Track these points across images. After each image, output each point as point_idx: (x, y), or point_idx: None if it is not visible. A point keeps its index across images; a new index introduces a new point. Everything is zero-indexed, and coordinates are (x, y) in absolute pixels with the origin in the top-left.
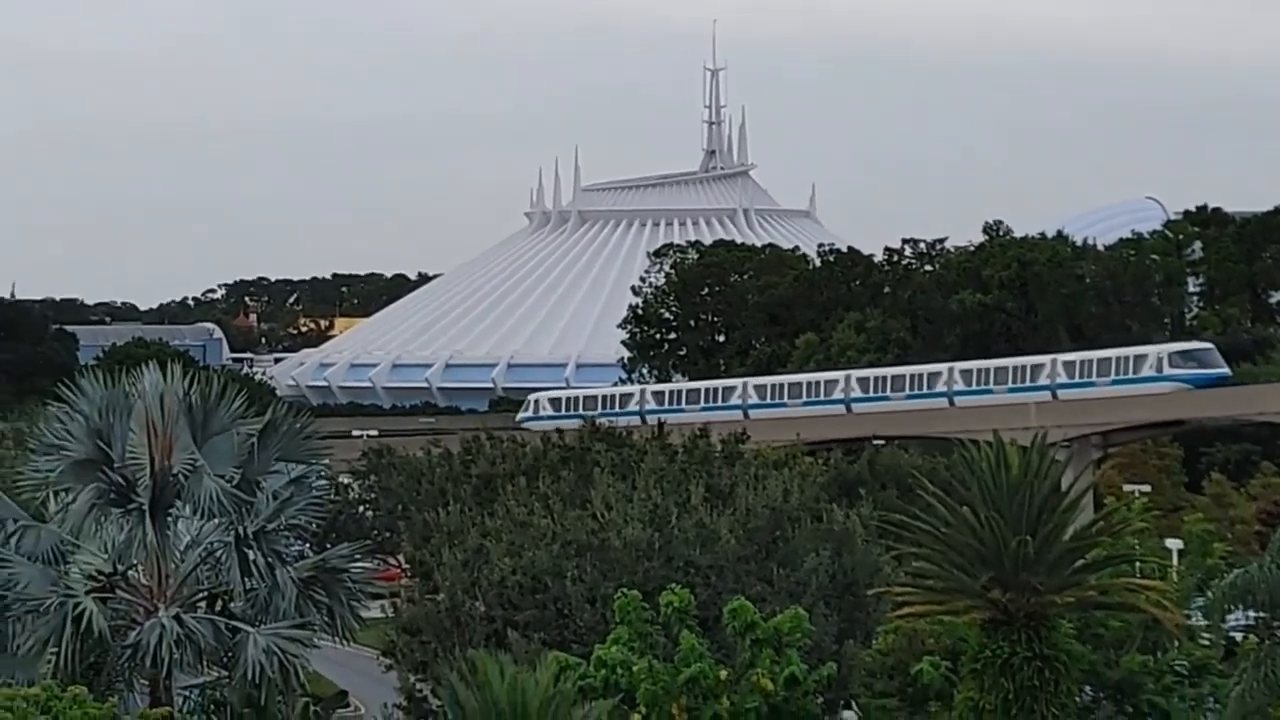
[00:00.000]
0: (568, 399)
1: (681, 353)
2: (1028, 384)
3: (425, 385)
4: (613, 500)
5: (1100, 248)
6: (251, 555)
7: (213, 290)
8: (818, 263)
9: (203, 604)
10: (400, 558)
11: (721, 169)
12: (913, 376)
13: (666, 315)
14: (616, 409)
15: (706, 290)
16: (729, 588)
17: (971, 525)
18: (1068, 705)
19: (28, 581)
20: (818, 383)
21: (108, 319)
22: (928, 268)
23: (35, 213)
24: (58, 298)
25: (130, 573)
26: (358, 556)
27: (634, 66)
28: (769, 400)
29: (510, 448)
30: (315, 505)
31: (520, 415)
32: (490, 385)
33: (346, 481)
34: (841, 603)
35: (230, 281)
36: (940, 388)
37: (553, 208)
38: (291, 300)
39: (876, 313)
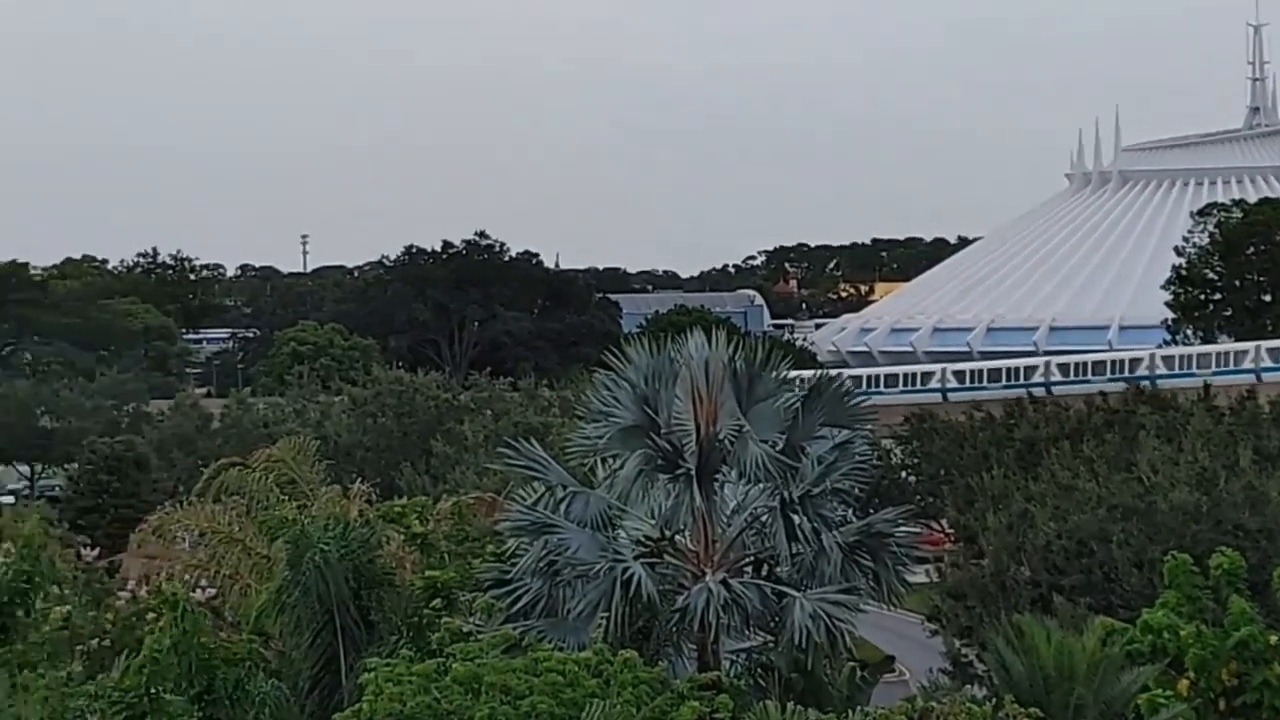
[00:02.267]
0: None
1: (1227, 313)
2: None
3: (966, 349)
4: (1158, 463)
5: None
6: (797, 520)
7: (753, 257)
8: None
9: (749, 569)
10: (943, 522)
11: (1266, 126)
12: None
13: (1211, 276)
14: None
15: (1252, 249)
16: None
17: None
18: None
19: (577, 546)
20: None
21: (650, 287)
22: None
23: (579, 185)
24: (601, 267)
25: (677, 538)
26: (902, 521)
27: (1174, 24)
28: None
29: (1053, 411)
30: (859, 470)
31: None
32: (1032, 348)
33: (889, 446)
34: None
35: (770, 248)
36: None
37: (1093, 169)
38: (831, 266)
39: None
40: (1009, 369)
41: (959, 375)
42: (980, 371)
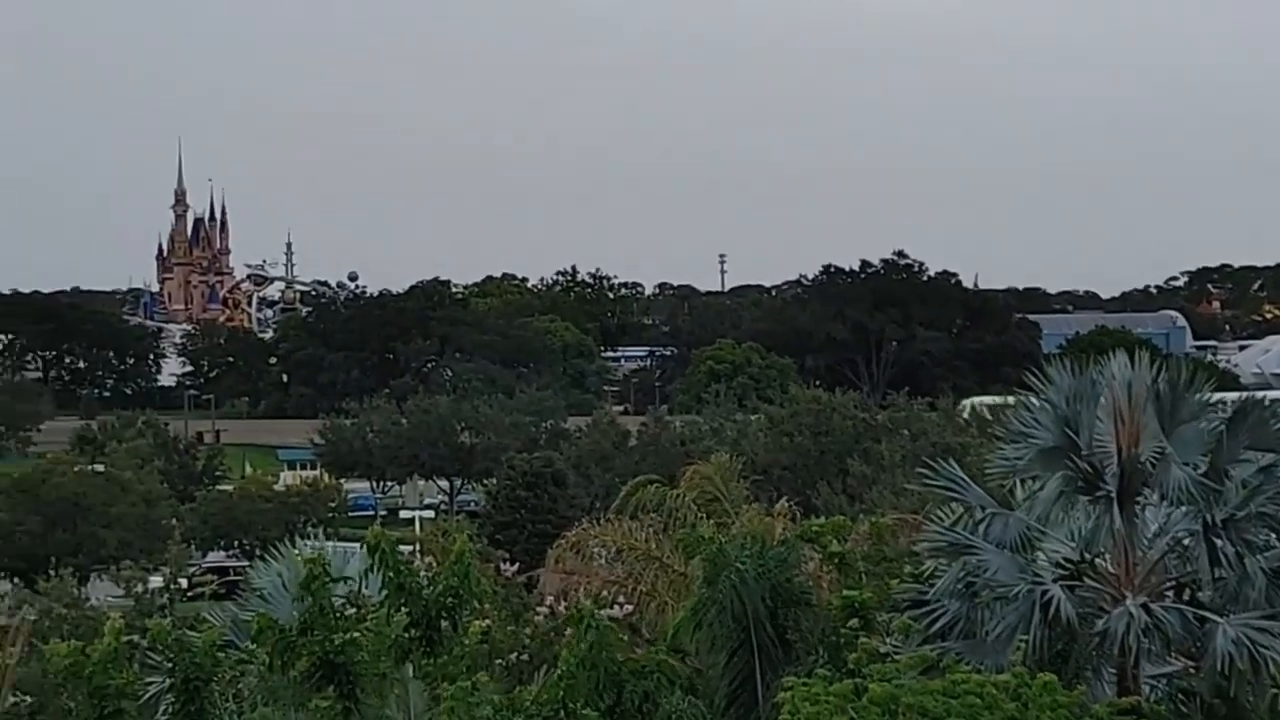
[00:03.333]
0: None
1: None
2: None
3: None
4: None
5: None
6: (1220, 544)
7: (1175, 278)
8: None
9: (1170, 593)
10: None
11: None
12: None
13: None
14: None
15: None
16: None
17: None
18: None
19: (996, 568)
20: None
21: (1070, 307)
22: None
23: (999, 205)
24: (1020, 287)
25: (1097, 560)
26: None
27: None
28: None
29: None
30: None
31: None
32: None
33: None
34: None
35: (1193, 269)
36: None
37: None
38: (1255, 287)
39: None
40: None
41: None
42: None
